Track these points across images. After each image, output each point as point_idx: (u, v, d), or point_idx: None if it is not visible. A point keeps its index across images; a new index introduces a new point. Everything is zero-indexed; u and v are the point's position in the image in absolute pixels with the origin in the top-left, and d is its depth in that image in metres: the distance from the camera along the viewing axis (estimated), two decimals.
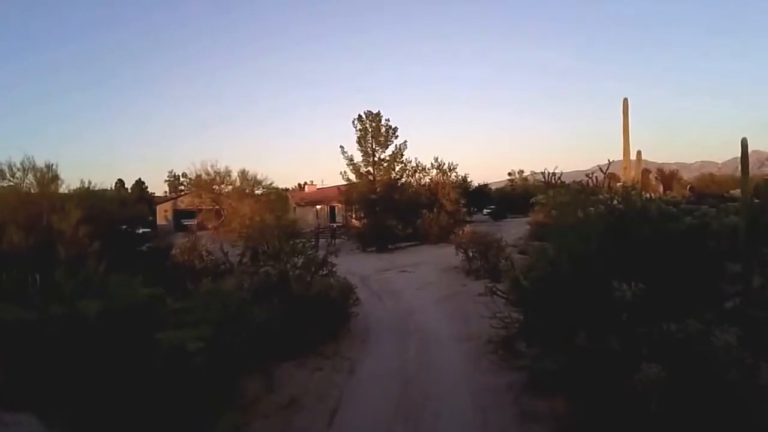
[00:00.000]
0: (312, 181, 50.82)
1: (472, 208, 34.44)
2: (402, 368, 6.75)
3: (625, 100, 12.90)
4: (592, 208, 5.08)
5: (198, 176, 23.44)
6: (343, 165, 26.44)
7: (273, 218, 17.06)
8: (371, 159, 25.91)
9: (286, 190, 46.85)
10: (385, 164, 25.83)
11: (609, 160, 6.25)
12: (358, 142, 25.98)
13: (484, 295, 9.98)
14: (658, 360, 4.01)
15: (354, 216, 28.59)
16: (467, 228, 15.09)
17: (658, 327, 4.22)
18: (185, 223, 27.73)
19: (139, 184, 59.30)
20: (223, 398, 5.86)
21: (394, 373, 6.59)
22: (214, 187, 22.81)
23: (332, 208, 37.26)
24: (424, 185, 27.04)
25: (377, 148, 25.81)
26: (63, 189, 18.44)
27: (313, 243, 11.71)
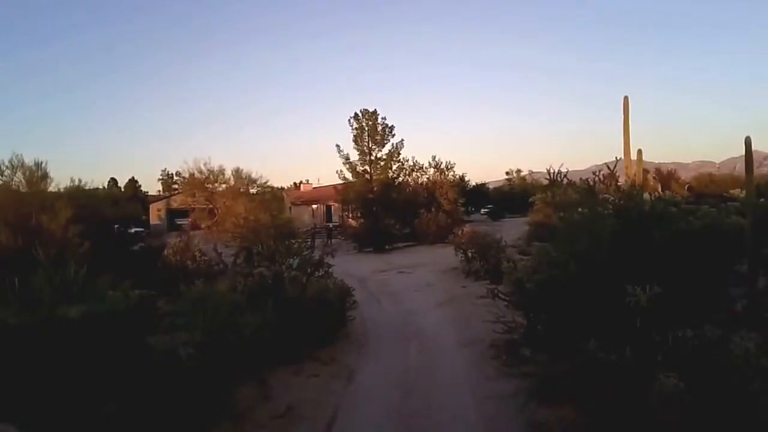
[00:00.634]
0: (308, 180, 50.45)
1: (469, 208, 34.24)
2: (402, 374, 6.52)
3: (626, 98, 12.70)
4: (600, 208, 4.86)
5: (191, 175, 23.05)
6: (339, 164, 26.23)
7: (268, 218, 16.74)
8: (368, 158, 25.65)
9: (282, 189, 46.46)
10: (382, 163, 25.59)
11: (616, 158, 6.04)
12: (355, 140, 25.72)
13: (485, 297, 9.80)
14: (674, 369, 3.79)
15: (351, 216, 28.31)
16: (466, 228, 14.84)
17: (673, 333, 3.99)
18: (179, 222, 27.33)
19: (133, 182, 58.62)
20: (215, 407, 5.60)
21: (394, 380, 6.35)
22: (207, 185, 22.44)
23: (328, 208, 36.95)
24: (421, 184, 26.82)
25: (374, 146, 25.56)
26: (53, 188, 17.97)
27: (309, 243, 11.48)
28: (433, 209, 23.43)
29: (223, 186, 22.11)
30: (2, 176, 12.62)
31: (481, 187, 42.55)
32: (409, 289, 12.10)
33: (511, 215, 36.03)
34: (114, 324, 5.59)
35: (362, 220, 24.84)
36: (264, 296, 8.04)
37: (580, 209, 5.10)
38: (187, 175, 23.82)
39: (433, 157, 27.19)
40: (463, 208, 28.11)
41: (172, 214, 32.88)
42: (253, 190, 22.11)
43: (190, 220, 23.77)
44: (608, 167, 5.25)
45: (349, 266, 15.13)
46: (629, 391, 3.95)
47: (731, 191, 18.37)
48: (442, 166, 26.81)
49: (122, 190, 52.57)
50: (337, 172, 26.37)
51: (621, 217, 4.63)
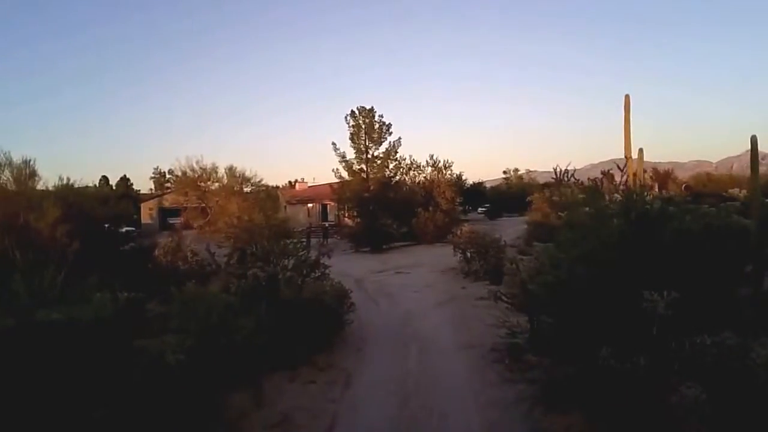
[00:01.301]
0: (303, 179, 49.95)
1: (466, 207, 34.08)
2: (402, 380, 6.27)
3: (627, 97, 12.50)
4: (610, 207, 4.64)
5: (183, 173, 22.66)
6: (335, 162, 25.95)
7: (262, 217, 16.43)
8: (364, 156, 25.40)
9: (277, 187, 46.07)
10: (379, 161, 25.36)
11: (627, 157, 5.82)
12: (351, 138, 25.47)
13: (485, 298, 9.59)
14: (693, 378, 3.57)
15: (347, 215, 28.02)
16: (465, 227, 14.62)
17: (690, 340, 3.77)
18: (171, 221, 26.92)
19: (124, 181, 57.90)
20: (205, 415, 5.35)
21: (394, 386, 6.11)
22: (200, 184, 22.05)
23: (324, 207, 36.59)
24: (418, 183, 26.61)
25: (371, 144, 25.32)
26: (41, 186, 17.55)
27: (305, 243, 11.20)
28: (430, 208, 23.21)
29: (216, 184, 21.75)
30: None
31: (478, 186, 42.44)
32: (408, 290, 11.86)
33: (508, 214, 35.97)
34: (98, 329, 5.34)
35: (359, 220, 24.57)
36: (258, 298, 7.78)
37: (587, 208, 4.87)
38: (179, 174, 23.45)
39: (431, 156, 27.03)
40: (460, 208, 27.93)
41: (165, 213, 32.42)
42: (247, 189, 21.77)
43: (181, 219, 23.39)
44: (618, 166, 5.04)
45: (346, 266, 14.86)
46: (645, 401, 3.72)
47: (730, 191, 18.26)
48: (439, 165, 26.63)
49: (114, 188, 51.92)
50: (333, 170, 26.15)
51: (630, 217, 4.41)
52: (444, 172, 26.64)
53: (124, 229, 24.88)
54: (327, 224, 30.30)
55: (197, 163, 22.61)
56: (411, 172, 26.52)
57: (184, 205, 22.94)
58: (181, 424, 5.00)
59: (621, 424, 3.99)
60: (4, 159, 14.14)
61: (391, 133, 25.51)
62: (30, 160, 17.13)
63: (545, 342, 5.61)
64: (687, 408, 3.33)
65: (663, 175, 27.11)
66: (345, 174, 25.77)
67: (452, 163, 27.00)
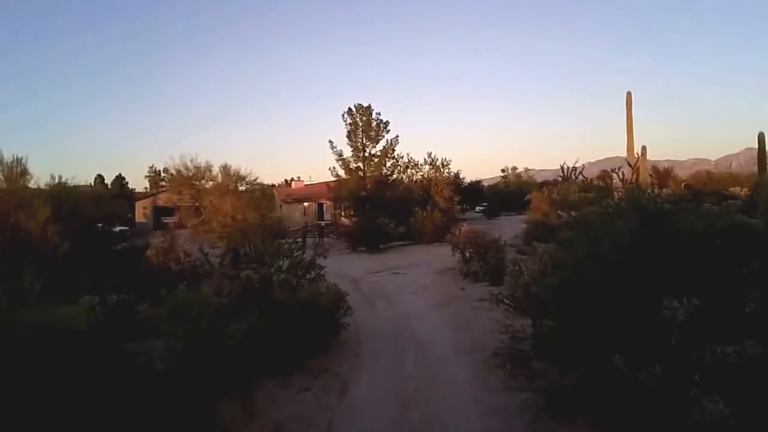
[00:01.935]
0: (299, 177, 49.56)
1: (464, 206, 33.83)
2: (400, 386, 6.03)
3: (629, 94, 12.28)
4: (621, 205, 4.39)
5: (177, 171, 22.27)
6: (332, 160, 25.62)
7: (256, 216, 16.09)
8: (361, 154, 25.09)
9: (272, 186, 45.66)
10: (376, 160, 25.05)
11: (638, 155, 5.57)
12: (348, 136, 25.15)
13: (485, 300, 9.33)
14: (713, 390, 3.32)
15: (343, 214, 27.71)
16: (464, 227, 14.37)
17: (710, 349, 3.52)
18: (166, 221, 26.52)
19: (120, 179, 57.20)
20: (193, 426, 5.06)
21: (391, 392, 5.87)
22: (194, 182, 21.67)
23: (320, 206, 36.25)
24: (416, 182, 26.32)
25: (368, 142, 25.00)
26: (33, 184, 17.15)
27: (300, 243, 10.92)
28: (428, 207, 22.93)
29: (210, 183, 21.39)
30: None
31: (476, 185, 42.20)
32: (405, 291, 11.60)
33: (506, 213, 35.76)
34: (77, 335, 5.07)
35: (355, 219, 24.27)
36: (251, 301, 7.51)
37: (597, 207, 4.61)
38: (173, 172, 23.05)
39: (429, 154, 26.72)
40: (458, 207, 27.68)
41: (159, 212, 31.98)
42: (242, 188, 21.42)
43: (174, 219, 22.99)
44: (629, 164, 4.79)
45: (342, 266, 14.58)
46: (661, 414, 3.47)
47: (731, 189, 18.10)
48: (437, 163, 26.35)
49: (109, 187, 51.31)
50: (329, 168, 25.83)
51: (643, 217, 4.15)
52: (442, 170, 26.38)
53: (117, 229, 24.48)
54: (323, 223, 29.96)
55: (191, 161, 22.29)
56: (408, 171, 26.23)
57: (178, 204, 22.56)
58: None
59: None
60: None
61: (388, 131, 25.23)
62: (22, 158, 16.71)
63: (550, 347, 5.36)
64: (709, 423, 3.08)
65: (663, 173, 26.96)
66: (342, 172, 25.47)
67: (450, 161, 26.76)
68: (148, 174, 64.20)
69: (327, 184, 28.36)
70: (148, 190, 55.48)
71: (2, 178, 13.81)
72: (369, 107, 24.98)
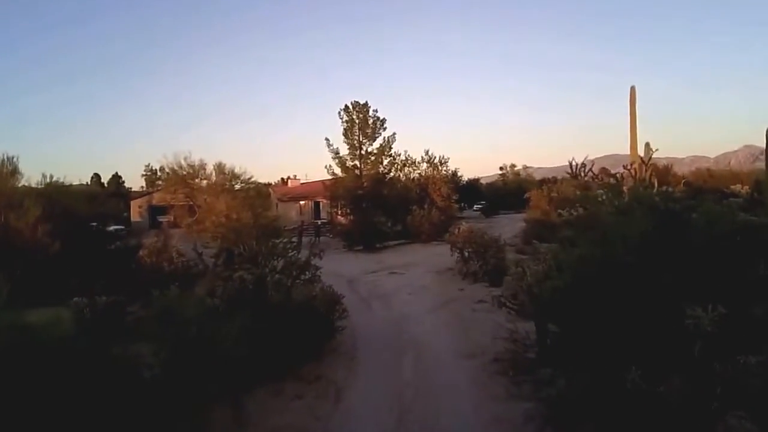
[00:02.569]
0: (295, 176, 49.12)
1: (462, 204, 33.56)
2: (397, 393, 5.76)
3: (632, 89, 11.98)
4: (637, 204, 4.12)
5: (171, 170, 21.88)
6: (328, 158, 25.29)
7: (250, 216, 15.73)
8: (358, 152, 24.76)
9: (268, 185, 45.24)
10: (373, 157, 24.72)
11: (651, 149, 5.29)
12: (345, 134, 24.80)
13: (485, 301, 9.09)
14: (737, 404, 3.06)
15: (340, 212, 27.38)
16: (463, 225, 14.09)
17: (732, 360, 3.25)
18: (161, 220, 26.13)
19: (116, 178, 56.58)
20: None
21: (388, 400, 5.61)
22: (188, 181, 21.28)
23: (317, 204, 35.90)
24: (413, 180, 26.02)
25: (364, 140, 24.67)
26: (24, 183, 16.74)
27: (296, 242, 10.60)
28: (426, 206, 22.65)
29: (205, 182, 21.01)
30: None
31: (474, 183, 41.95)
32: (403, 292, 11.32)
33: (505, 211, 35.51)
34: (55, 344, 4.77)
35: (352, 217, 23.96)
36: (244, 302, 7.22)
37: (608, 205, 4.34)
38: (167, 170, 22.66)
39: (426, 152, 26.42)
40: (456, 205, 27.41)
41: (154, 211, 31.56)
42: (237, 186, 21.05)
43: (168, 218, 22.60)
44: (642, 160, 4.51)
45: (338, 266, 14.30)
46: (681, 429, 3.21)
47: (732, 187, 17.91)
48: (435, 161, 26.05)
49: (105, 186, 50.76)
50: (326, 167, 25.50)
51: (659, 217, 3.89)
52: (440, 168, 26.10)
53: (113, 228, 24.06)
54: (319, 222, 29.64)
55: (185, 159, 21.90)
56: (406, 169, 25.91)
57: (171, 203, 22.16)
58: None
59: None
60: None
61: (385, 129, 24.91)
62: (12, 157, 16.32)
63: (555, 353, 5.10)
64: None
65: (662, 171, 26.75)
66: (338, 170, 25.13)
67: (448, 158, 26.46)
68: (144, 173, 63.51)
69: (323, 182, 28.03)
70: (145, 188, 54.90)
71: None
72: (366, 104, 24.67)
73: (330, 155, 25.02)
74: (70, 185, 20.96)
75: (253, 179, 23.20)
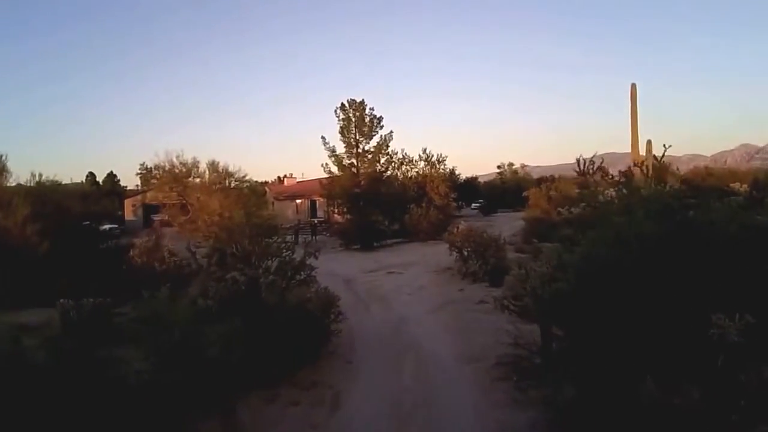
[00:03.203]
0: (292, 174, 48.65)
1: (460, 203, 33.37)
2: (396, 400, 5.54)
3: (633, 86, 11.81)
4: (654, 203, 3.90)
5: (164, 168, 21.51)
6: (324, 157, 24.99)
7: (243, 215, 15.41)
8: (355, 150, 24.47)
9: (264, 183, 44.85)
10: (370, 156, 24.45)
11: (665, 146, 5.09)
12: (341, 132, 24.51)
13: (485, 302, 8.87)
14: (764, 419, 2.85)
15: (336, 211, 27.10)
16: (462, 224, 13.87)
17: (755, 371, 3.04)
18: (155, 218, 25.75)
19: (111, 177, 55.93)
20: None
21: (388, 408, 5.38)
22: (181, 179, 20.91)
23: (313, 203, 35.61)
24: (411, 178, 25.79)
25: (361, 138, 24.38)
26: (12, 182, 16.40)
27: (291, 241, 10.35)
28: (423, 204, 22.43)
29: (198, 180, 20.64)
30: None
31: (472, 181, 41.77)
32: (401, 292, 11.09)
33: (503, 210, 35.34)
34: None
35: (349, 216, 23.70)
36: (236, 304, 6.98)
37: (619, 203, 4.13)
38: (160, 169, 22.26)
39: (424, 150, 26.17)
40: (455, 204, 27.20)
41: (148, 209, 31.15)
42: (232, 184, 20.71)
43: (160, 217, 22.27)
44: (655, 158, 4.30)
45: (335, 266, 14.06)
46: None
47: (731, 185, 17.82)
48: (433, 159, 25.81)
49: (100, 185, 50.13)
50: (322, 165, 25.19)
51: (675, 217, 3.68)
52: (437, 166, 25.86)
53: (106, 227, 23.65)
54: (316, 221, 29.36)
55: (177, 157, 21.53)
56: (403, 167, 25.68)
57: (164, 202, 21.80)
58: None
59: None
60: None
61: (382, 127, 24.61)
62: (1, 156, 15.96)
63: (561, 359, 4.88)
64: None
65: (661, 169, 26.68)
66: (335, 169, 24.83)
67: (446, 157, 26.22)
68: (139, 171, 62.86)
69: (320, 181, 27.72)
70: (139, 187, 54.34)
71: None
72: (362, 102, 24.36)
73: (326, 153, 24.77)
74: (61, 184, 20.57)
75: (247, 177, 22.88)
